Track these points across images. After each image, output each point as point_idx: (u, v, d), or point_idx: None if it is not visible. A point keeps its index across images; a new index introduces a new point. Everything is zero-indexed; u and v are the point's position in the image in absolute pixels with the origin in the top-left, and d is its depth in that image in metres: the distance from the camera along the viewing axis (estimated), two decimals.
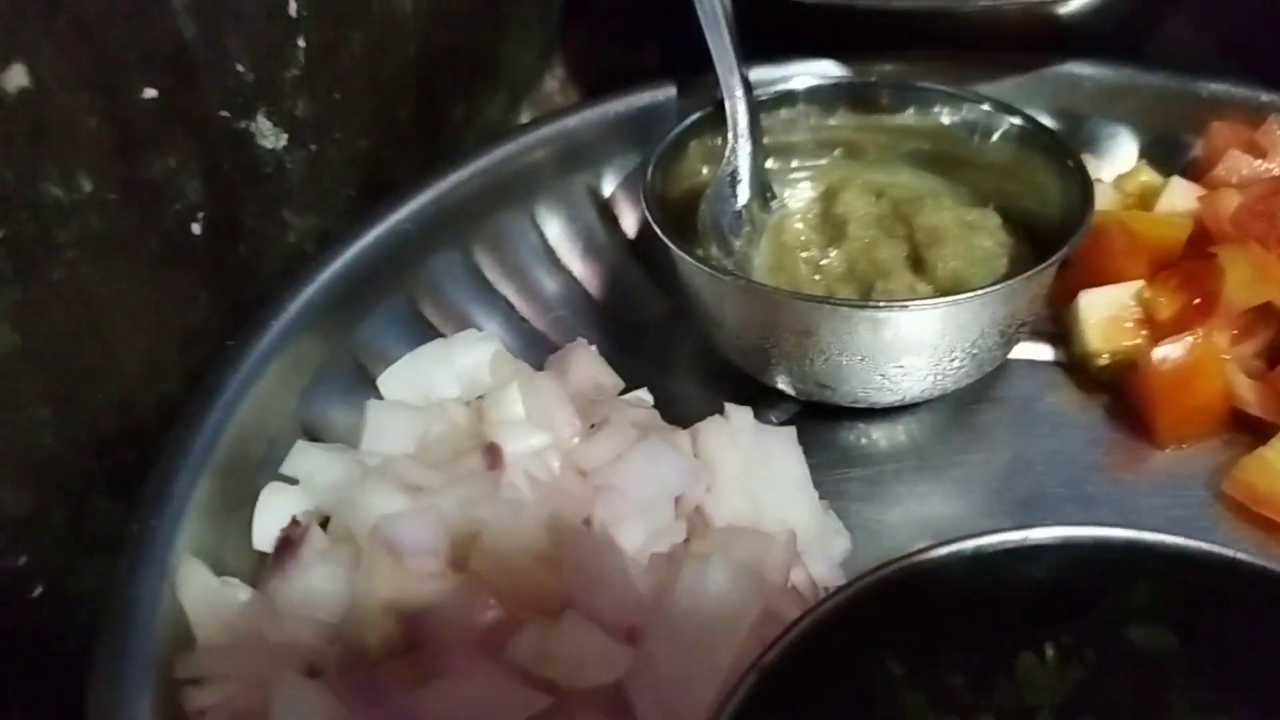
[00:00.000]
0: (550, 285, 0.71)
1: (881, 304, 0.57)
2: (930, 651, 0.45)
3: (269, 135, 0.58)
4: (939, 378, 0.62)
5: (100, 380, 0.51)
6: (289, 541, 0.49)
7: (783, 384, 0.64)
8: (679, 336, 0.70)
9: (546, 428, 0.53)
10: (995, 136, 0.69)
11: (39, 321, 0.47)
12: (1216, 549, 0.45)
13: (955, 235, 0.65)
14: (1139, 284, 0.67)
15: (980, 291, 0.57)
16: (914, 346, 0.59)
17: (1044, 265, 0.59)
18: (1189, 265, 0.66)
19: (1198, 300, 0.65)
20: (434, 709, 0.44)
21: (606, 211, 0.74)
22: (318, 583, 0.47)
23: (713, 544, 0.50)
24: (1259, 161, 0.70)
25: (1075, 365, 0.68)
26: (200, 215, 0.54)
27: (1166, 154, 0.75)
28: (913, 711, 0.44)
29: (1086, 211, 0.61)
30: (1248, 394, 0.64)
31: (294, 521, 0.50)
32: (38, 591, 0.50)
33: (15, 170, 0.44)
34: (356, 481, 0.49)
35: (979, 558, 0.45)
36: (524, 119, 0.83)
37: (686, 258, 0.60)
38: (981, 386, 0.66)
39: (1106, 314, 0.66)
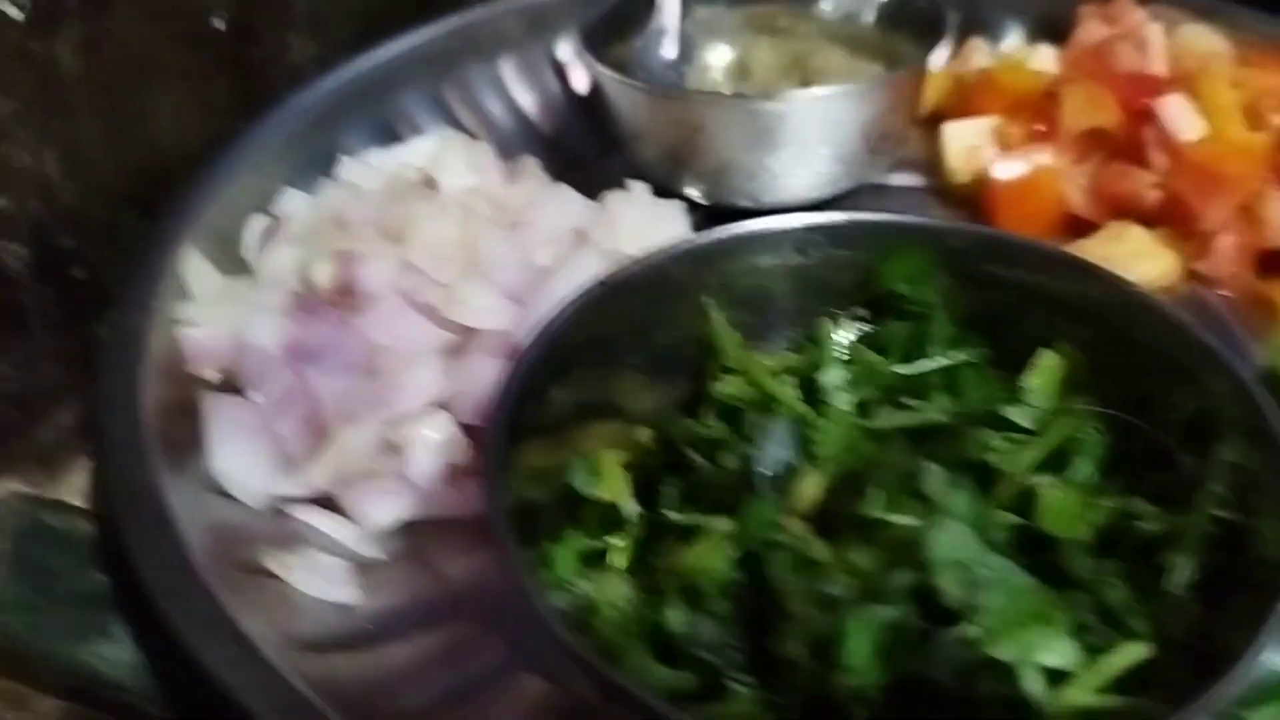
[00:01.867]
0: (507, 125, 0.86)
1: (754, 96, 0.71)
2: (743, 308, 0.58)
3: None
4: (814, 178, 0.75)
5: (139, 120, 0.66)
6: (270, 229, 0.64)
7: (689, 188, 0.77)
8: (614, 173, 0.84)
9: (478, 175, 0.68)
10: (873, 14, 0.83)
11: (96, 56, 0.62)
12: (967, 225, 0.58)
13: (840, 71, 0.79)
14: (996, 119, 0.80)
15: (838, 88, 0.71)
16: (786, 140, 0.72)
17: (896, 72, 0.72)
18: (1038, 103, 0.79)
19: (1041, 129, 0.78)
20: (365, 329, 0.58)
21: (561, 73, 0.89)
22: (287, 252, 0.62)
23: None
24: (1109, 27, 0.83)
25: (943, 190, 0.81)
26: (223, 13, 0.71)
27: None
28: (732, 347, 0.56)
29: (939, 32, 0.75)
30: (1079, 200, 0.76)
31: (274, 216, 0.65)
32: (80, 274, 0.65)
33: None
34: (325, 193, 0.64)
35: (777, 233, 0.58)
36: None
37: (603, 69, 0.74)
38: (861, 206, 0.79)
39: (966, 142, 0.80)
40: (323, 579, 0.54)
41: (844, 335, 0.59)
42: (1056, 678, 0.43)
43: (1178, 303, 0.73)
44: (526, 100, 0.87)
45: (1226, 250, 0.72)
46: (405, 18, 0.87)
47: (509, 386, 0.49)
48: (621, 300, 0.55)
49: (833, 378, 0.53)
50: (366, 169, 0.70)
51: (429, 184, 0.68)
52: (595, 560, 0.52)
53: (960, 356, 0.56)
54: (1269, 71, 0.79)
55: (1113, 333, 0.54)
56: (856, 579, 0.43)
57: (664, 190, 0.77)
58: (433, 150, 0.73)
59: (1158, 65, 0.78)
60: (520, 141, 0.84)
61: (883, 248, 0.57)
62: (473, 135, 0.83)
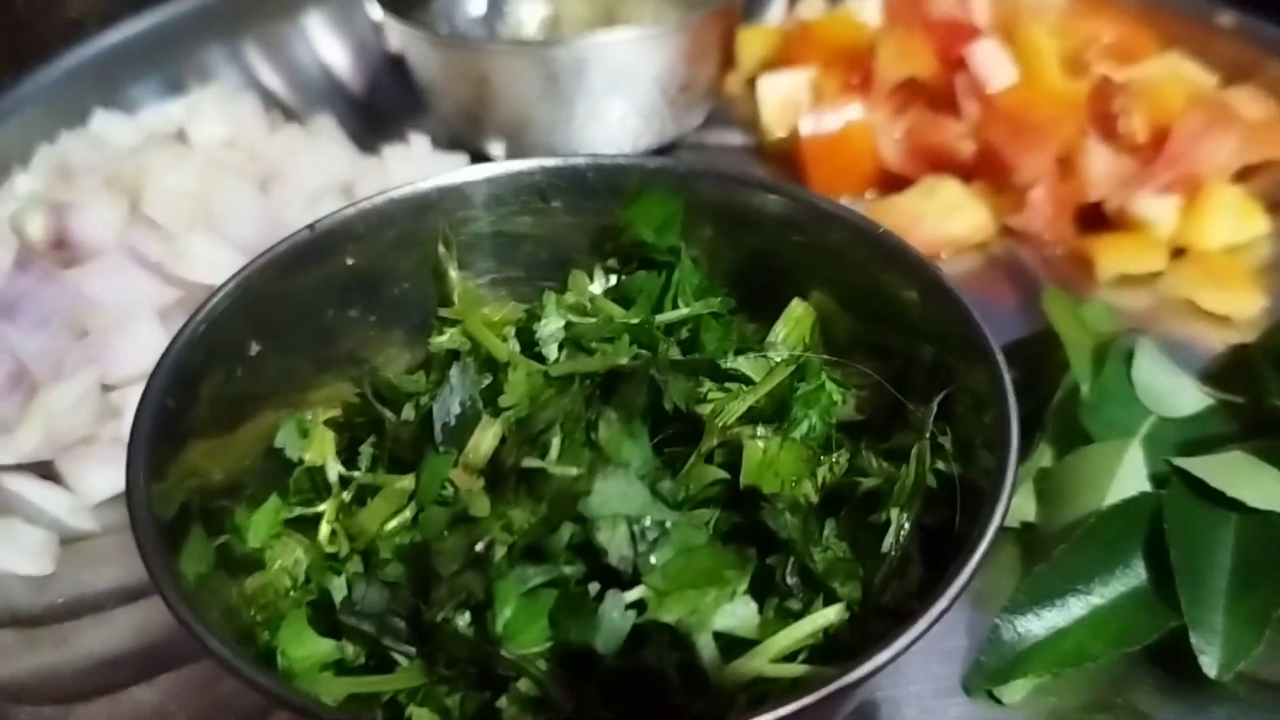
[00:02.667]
0: (313, 83, 0.82)
1: (538, 43, 0.67)
2: (492, 258, 0.55)
3: None
4: (614, 133, 0.71)
5: None
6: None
7: (490, 144, 0.73)
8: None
9: (234, 127, 0.64)
10: None
11: None
12: (715, 169, 0.55)
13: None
14: (813, 70, 0.76)
15: (626, 33, 0.67)
16: (576, 89, 0.69)
17: (691, 17, 0.69)
18: (856, 55, 0.76)
19: (856, 80, 0.75)
20: (77, 283, 0.54)
21: (376, 30, 0.85)
22: (7, 206, 0.58)
23: None
24: None
25: (762, 148, 0.77)
26: None
27: None
28: (458, 296, 0.52)
29: None
30: (893, 154, 0.73)
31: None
32: None
33: None
34: (61, 144, 0.60)
35: (511, 177, 0.54)
36: None
37: (393, 18, 0.71)
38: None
39: (782, 95, 0.76)
40: (15, 552, 0.50)
41: (596, 286, 0.55)
42: (740, 645, 0.40)
43: (992, 260, 0.70)
44: (336, 58, 0.83)
45: (1040, 204, 0.69)
46: None
47: (166, 357, 0.44)
48: (342, 247, 0.51)
49: (549, 328, 0.49)
50: (121, 121, 0.66)
51: (183, 138, 0.64)
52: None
53: (704, 307, 0.52)
54: (1096, 20, 0.76)
55: (865, 281, 0.51)
56: (513, 536, 0.39)
57: (473, 153, 0.73)
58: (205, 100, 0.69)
59: (978, 13, 0.74)
60: (326, 100, 0.80)
61: (630, 194, 0.54)
62: (273, 93, 0.79)
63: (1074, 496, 0.52)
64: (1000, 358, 0.44)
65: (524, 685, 0.39)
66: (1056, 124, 0.69)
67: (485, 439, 0.42)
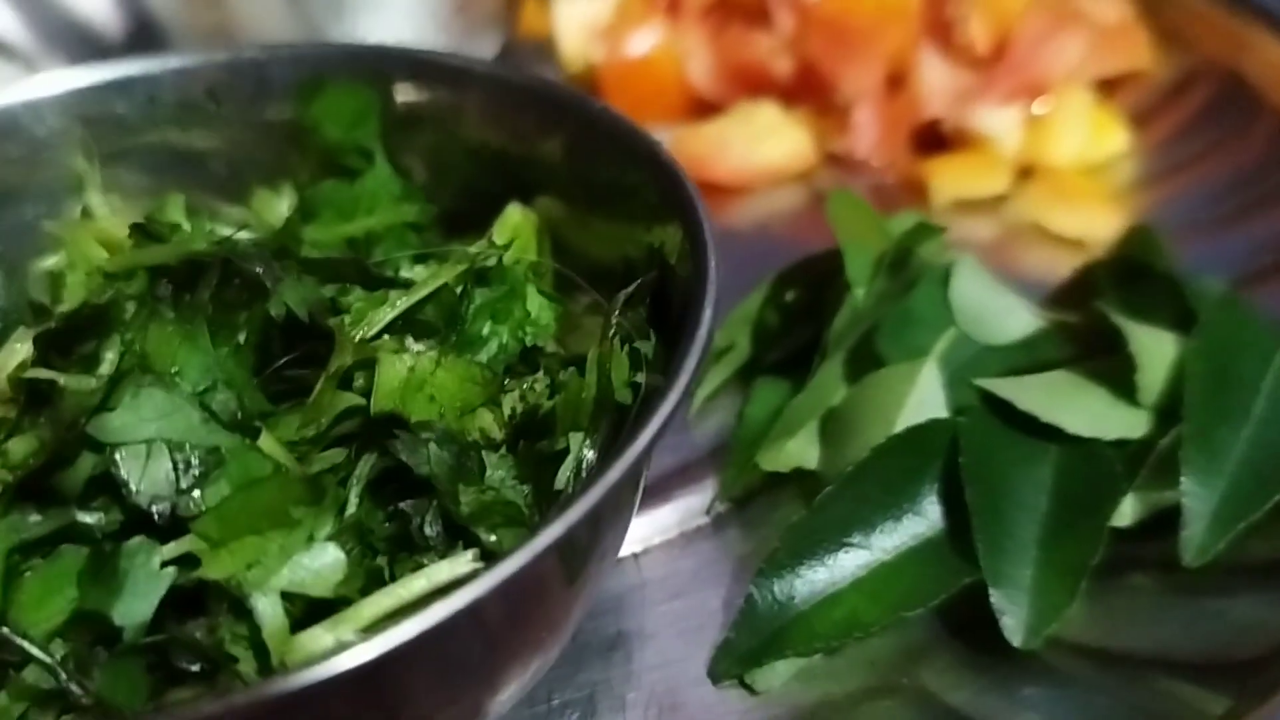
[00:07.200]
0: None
1: None
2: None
3: None
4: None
5: None
6: None
7: None
8: None
9: None
10: None
11: None
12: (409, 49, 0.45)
13: None
14: None
15: None
16: (320, 12, 0.59)
17: None
18: None
19: (664, 1, 0.66)
20: None
21: None
22: None
23: None
24: None
25: (571, 82, 0.68)
26: None
27: None
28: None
29: None
30: (704, 79, 0.64)
31: None
32: None
33: None
34: None
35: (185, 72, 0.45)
36: None
37: None
38: None
39: (584, 22, 0.67)
40: None
41: (284, 204, 0.46)
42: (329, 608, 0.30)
43: (816, 193, 0.60)
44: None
45: (866, 124, 0.60)
46: None
47: None
48: None
49: None
50: None
51: None
52: None
53: (395, 216, 0.43)
54: None
55: (592, 174, 0.41)
56: (10, 471, 0.29)
57: None
58: None
59: None
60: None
61: (311, 86, 0.44)
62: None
63: (858, 434, 0.42)
64: (702, 210, 0.35)
65: (32, 674, 0.29)
66: (881, 32, 0.59)
67: (13, 354, 0.32)
